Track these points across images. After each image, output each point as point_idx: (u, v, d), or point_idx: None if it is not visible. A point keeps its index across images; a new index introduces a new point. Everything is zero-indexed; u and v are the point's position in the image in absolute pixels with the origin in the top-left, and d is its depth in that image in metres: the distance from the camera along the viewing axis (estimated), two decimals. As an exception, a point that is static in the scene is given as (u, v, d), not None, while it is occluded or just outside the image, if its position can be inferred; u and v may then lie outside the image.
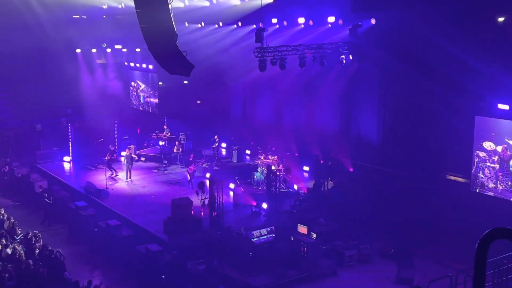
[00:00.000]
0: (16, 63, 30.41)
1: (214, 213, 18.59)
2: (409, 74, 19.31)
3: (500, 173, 17.30)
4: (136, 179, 24.74)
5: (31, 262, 14.60)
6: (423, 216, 18.83)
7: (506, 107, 16.70)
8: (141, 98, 33.09)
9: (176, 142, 27.37)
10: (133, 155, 25.06)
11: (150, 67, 31.17)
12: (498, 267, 10.09)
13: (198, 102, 31.67)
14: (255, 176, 22.97)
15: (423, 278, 14.35)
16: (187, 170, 23.85)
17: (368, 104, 21.45)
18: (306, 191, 21.67)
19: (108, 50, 32.45)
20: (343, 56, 20.24)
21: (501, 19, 16.91)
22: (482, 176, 17.75)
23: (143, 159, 27.46)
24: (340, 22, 20.57)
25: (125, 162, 24.79)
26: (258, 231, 17.82)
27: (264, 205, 20.05)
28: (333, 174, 22.06)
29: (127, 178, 24.29)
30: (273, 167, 21.77)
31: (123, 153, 27.68)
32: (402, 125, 20.44)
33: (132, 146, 25.71)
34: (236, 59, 24.81)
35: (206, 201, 20.38)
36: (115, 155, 25.62)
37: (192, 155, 25.30)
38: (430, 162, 19.46)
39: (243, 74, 25.83)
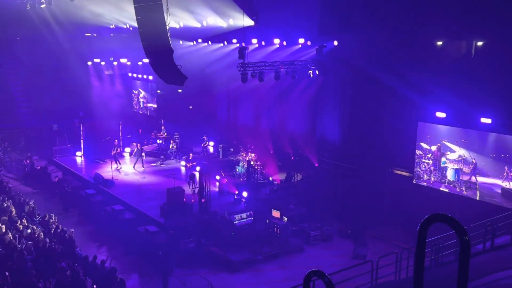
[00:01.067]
0: (36, 72, 30.03)
1: (203, 200, 18.51)
2: (364, 85, 19.47)
3: (432, 168, 17.61)
4: (137, 171, 24.52)
5: (47, 240, 14.42)
6: (375, 203, 19.03)
7: (443, 115, 16.94)
8: (141, 104, 32.84)
9: (171, 141, 27.21)
10: (140, 149, 24.96)
11: (150, 77, 30.93)
12: (435, 246, 10.26)
13: (190, 107, 31.52)
14: (237, 170, 22.95)
15: (374, 255, 14.48)
16: (186, 165, 24.02)
17: (330, 110, 21.56)
18: (279, 182, 21.71)
19: (115, 63, 32.13)
20: (311, 71, 20.37)
21: (439, 43, 17.14)
22: (418, 169, 18.02)
23: (143, 154, 27.20)
24: (309, 43, 20.65)
25: (133, 155, 24.89)
26: (239, 215, 17.92)
27: (245, 194, 20.05)
28: (300, 168, 22.10)
29: (134, 167, 24.44)
30: (252, 162, 21.81)
31: (127, 149, 27.51)
32: (358, 128, 20.60)
33: (139, 146, 25.46)
34: (222, 72, 24.79)
35: (196, 190, 20.30)
36: (119, 149, 25.36)
37: (191, 154, 25.07)
38: (381, 159, 19.65)
39: (228, 84, 25.80)
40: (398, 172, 19.35)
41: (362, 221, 18.43)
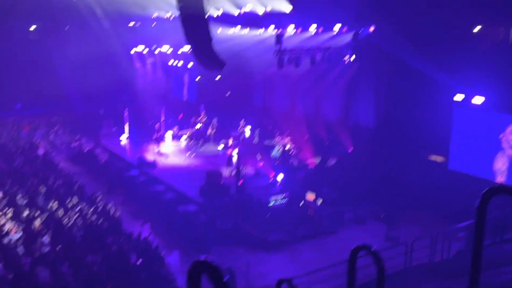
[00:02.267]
0: (83, 60, 30.59)
1: (239, 182, 18.54)
2: (399, 71, 18.92)
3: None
4: (177, 154, 24.81)
5: (94, 217, 14.77)
6: (408, 188, 18.58)
7: (480, 100, 16.26)
8: (183, 90, 33.04)
9: (210, 125, 27.34)
10: (191, 135, 25.13)
11: (190, 65, 31.07)
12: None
13: (228, 94, 31.53)
14: (272, 153, 22.84)
15: (407, 237, 14.16)
16: (225, 150, 23.95)
17: (365, 95, 21.13)
18: (313, 166, 21.52)
19: (157, 51, 32.38)
20: (346, 57, 19.94)
21: (476, 29, 16.39)
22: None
23: (183, 137, 27.49)
24: (345, 29, 20.18)
25: (186, 140, 25.14)
26: (275, 197, 17.88)
27: (280, 176, 19.97)
28: (334, 153, 21.82)
29: (189, 153, 24.31)
30: (287, 146, 21.66)
31: (169, 133, 27.82)
32: (393, 113, 20.08)
33: (190, 132, 25.65)
34: (258, 58, 24.66)
35: (233, 172, 20.37)
36: (160, 133, 25.68)
37: (231, 140, 24.96)
38: (415, 144, 19.14)
39: (264, 71, 25.63)
40: (433, 158, 18.78)
41: (395, 204, 18.03)
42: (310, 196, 18.03)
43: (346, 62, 20.12)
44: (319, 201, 17.73)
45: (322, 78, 23.39)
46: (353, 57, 20.13)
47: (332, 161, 21.53)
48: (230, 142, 23.48)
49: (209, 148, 26.03)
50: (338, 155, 21.79)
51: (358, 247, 2.70)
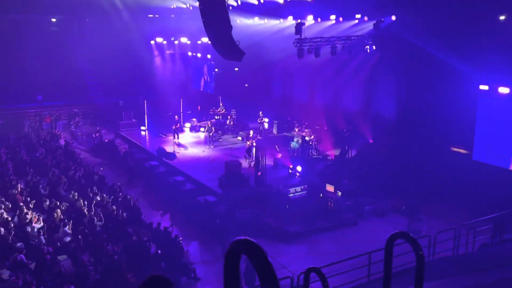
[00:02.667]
0: (103, 52, 30.77)
1: (259, 173, 18.49)
2: (421, 61, 18.51)
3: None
4: (196, 145, 24.83)
5: (114, 207, 14.85)
6: (430, 180, 18.23)
7: (506, 90, 15.78)
8: (202, 82, 33.02)
9: (229, 117, 27.32)
10: (211, 127, 24.75)
11: (209, 56, 31.00)
12: (499, 223, 9.59)
13: (246, 85, 31.43)
14: (291, 145, 22.73)
15: (429, 230, 13.87)
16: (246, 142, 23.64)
17: (386, 85, 20.80)
18: (333, 157, 21.35)
19: (176, 42, 32.37)
20: (367, 46, 19.60)
21: (502, 17, 15.86)
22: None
23: (202, 129, 27.52)
24: (366, 18, 19.80)
25: (206, 132, 24.79)
26: (294, 188, 17.82)
27: (299, 168, 19.86)
28: (354, 144, 21.61)
29: (209, 145, 24.10)
30: (306, 138, 21.51)
31: (187, 124, 27.87)
32: (415, 104, 19.71)
33: (210, 123, 25.42)
34: (277, 48, 24.47)
35: (252, 164, 20.30)
36: (178, 124, 25.74)
37: (251, 132, 24.73)
38: (437, 136, 18.76)
39: (283, 61, 25.45)
40: (456, 149, 18.37)
41: (417, 197, 17.72)
42: (330, 188, 17.87)
43: (367, 52, 19.77)
44: (339, 193, 17.56)
45: (343, 68, 23.10)
46: (374, 47, 19.77)
47: (352, 153, 21.30)
48: (251, 133, 23.37)
49: (227, 139, 26.01)
50: (358, 147, 21.57)
51: (396, 234, 2.58)
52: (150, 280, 1.58)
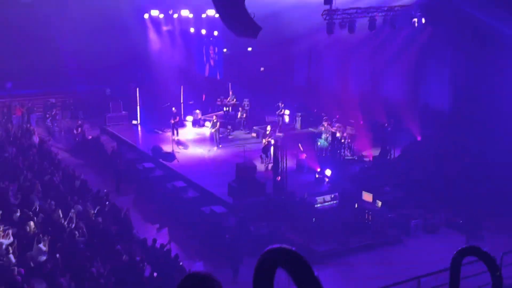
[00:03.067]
0: (86, 30, 30.91)
1: (278, 178, 18.46)
2: (485, 39, 18.25)
3: None
4: (201, 143, 24.84)
5: (100, 219, 14.87)
6: (493, 189, 18.00)
7: None
8: (207, 65, 33.04)
9: (240, 108, 27.31)
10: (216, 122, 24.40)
11: (216, 33, 30.98)
12: None
13: (262, 69, 31.32)
14: (318, 143, 22.68)
15: (494, 251, 13.61)
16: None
17: (439, 70, 20.66)
18: (371, 159, 21.32)
19: (175, 16, 32.39)
20: (415, 19, 19.40)
21: None
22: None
23: (207, 124, 27.53)
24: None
25: (213, 130, 24.64)
26: (321, 197, 17.73)
27: (328, 172, 19.79)
28: (398, 142, 21.52)
29: (216, 145, 24.08)
30: (337, 134, 21.46)
31: (189, 118, 27.89)
32: (475, 94, 19.45)
33: (215, 118, 25.12)
34: (302, 22, 24.33)
35: (270, 166, 20.24)
36: (178, 117, 25.74)
37: (269, 128, 24.56)
38: (502, 135, 18.49)
39: (309, 38, 25.33)
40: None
41: (477, 209, 17.48)
42: (367, 197, 17.82)
43: (415, 26, 19.58)
44: (379, 203, 17.48)
45: (383, 47, 23.00)
46: (424, 20, 19.59)
47: (395, 153, 21.21)
48: (268, 129, 23.28)
49: (239, 136, 25.99)
50: (403, 145, 21.45)
51: (464, 249, 2.57)
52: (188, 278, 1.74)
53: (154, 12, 32.07)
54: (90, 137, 25.46)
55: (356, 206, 17.32)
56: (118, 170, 21.15)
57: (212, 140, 24.89)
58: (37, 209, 15.35)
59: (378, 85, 24.27)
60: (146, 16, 32.25)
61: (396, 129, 21.75)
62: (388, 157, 21.12)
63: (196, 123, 27.77)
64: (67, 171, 19.48)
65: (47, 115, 29.13)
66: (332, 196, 17.85)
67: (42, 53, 31.08)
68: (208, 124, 26.44)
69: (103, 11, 30.77)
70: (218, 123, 24.43)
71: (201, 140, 25.50)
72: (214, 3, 13.66)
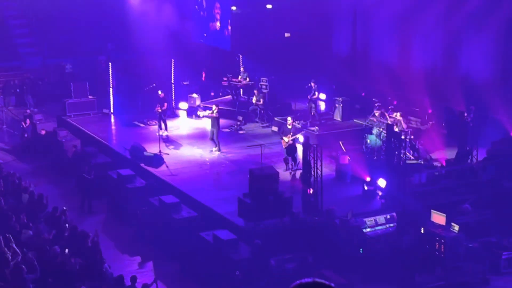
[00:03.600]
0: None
1: (310, 190, 18.37)
2: None
3: None
4: (198, 140, 24.89)
5: (58, 249, 14.89)
6: None
7: None
8: (209, 29, 33.06)
9: (256, 91, 27.23)
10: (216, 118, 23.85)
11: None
12: None
13: (287, 35, 31.30)
14: (368, 141, 22.67)
15: None
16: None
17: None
18: (444, 163, 21.18)
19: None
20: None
21: None
22: None
23: (208, 113, 27.53)
24: None
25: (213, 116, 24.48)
26: (372, 218, 17.86)
27: (382, 182, 19.65)
28: (477, 137, 21.48)
29: (219, 150, 23.79)
30: (395, 128, 21.31)
31: (182, 105, 27.88)
32: None
33: (216, 108, 24.46)
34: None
35: (298, 173, 20.15)
36: (166, 104, 25.58)
37: (290, 120, 24.20)
38: None
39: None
40: None
41: None
42: (438, 218, 17.70)
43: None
44: (455, 227, 17.39)
45: (458, 4, 22.99)
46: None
47: (478, 155, 21.19)
48: (290, 121, 23.23)
49: (254, 131, 26.11)
50: (490, 144, 21.39)
51: None
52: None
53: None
54: (43, 132, 25.57)
55: (422, 231, 17.32)
56: (83, 178, 21.19)
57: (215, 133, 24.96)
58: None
59: (453, 58, 24.35)
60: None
61: (480, 121, 21.61)
62: (469, 161, 21.01)
63: (193, 112, 27.72)
64: (12, 180, 19.53)
65: (-18, 101, 29.34)
66: (388, 217, 17.93)
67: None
68: (209, 113, 26.07)
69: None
70: (216, 115, 23.60)
71: (199, 137, 25.50)
72: None
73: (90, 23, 31.96)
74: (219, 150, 23.55)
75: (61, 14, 31.48)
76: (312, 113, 26.12)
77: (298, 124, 24.65)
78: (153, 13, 33.16)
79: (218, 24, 32.48)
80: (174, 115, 27.43)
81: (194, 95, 28.37)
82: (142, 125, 26.66)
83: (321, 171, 18.68)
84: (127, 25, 32.37)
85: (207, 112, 24.66)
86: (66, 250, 15.42)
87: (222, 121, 26.74)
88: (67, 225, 16.73)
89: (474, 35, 23.33)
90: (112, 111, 27.96)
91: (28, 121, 26.19)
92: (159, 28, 32.55)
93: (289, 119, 22.77)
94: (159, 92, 25.95)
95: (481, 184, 19.88)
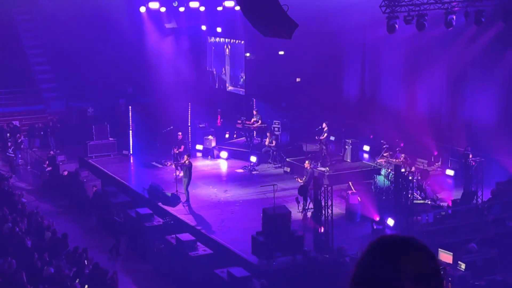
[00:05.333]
0: (63, 25, 31.40)
1: (321, 229, 18.30)
2: None
3: None
4: (214, 181, 24.93)
5: (78, 286, 14.85)
6: None
7: None
8: (224, 74, 33.24)
9: (268, 133, 27.33)
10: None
11: (235, 33, 31.27)
12: None
13: (298, 80, 31.43)
14: (377, 181, 22.52)
15: None
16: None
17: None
18: (451, 204, 21.03)
19: (181, 9, 32.81)
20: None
21: None
22: None
23: (224, 154, 27.58)
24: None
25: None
26: None
27: (391, 221, 19.62)
28: (488, 179, 21.35)
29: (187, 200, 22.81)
30: (403, 169, 21.24)
31: (199, 147, 27.94)
32: None
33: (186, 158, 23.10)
34: (355, 15, 24.39)
35: (310, 212, 20.08)
36: (183, 146, 25.81)
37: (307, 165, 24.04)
38: None
39: (362, 37, 25.37)
40: None
41: None
42: (445, 257, 17.58)
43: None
44: (462, 266, 17.28)
45: (464, 51, 23.03)
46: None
47: (484, 195, 21.04)
48: (307, 163, 23.22)
49: (267, 171, 26.11)
50: (495, 185, 21.25)
51: None
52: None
53: (153, 5, 32.54)
54: (65, 172, 25.66)
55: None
56: (103, 218, 21.21)
57: (230, 177, 24.94)
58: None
59: (458, 101, 24.25)
60: (142, 9, 32.75)
61: (485, 162, 21.48)
62: (474, 201, 20.85)
63: (209, 153, 27.83)
64: (35, 218, 19.56)
65: (9, 143, 29.49)
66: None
67: (1, 59, 31.65)
68: (225, 153, 25.91)
69: (88, 7, 31.27)
70: (188, 164, 22.64)
71: (214, 177, 25.61)
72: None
73: (111, 68, 32.25)
74: (187, 200, 22.48)
75: (83, 60, 31.80)
76: (323, 154, 26.11)
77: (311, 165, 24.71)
78: (172, 55, 33.45)
79: (228, 69, 32.71)
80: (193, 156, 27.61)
81: (210, 137, 28.45)
82: (160, 165, 26.74)
83: (332, 210, 18.65)
84: (146, 69, 32.69)
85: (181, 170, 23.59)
86: (86, 287, 15.44)
87: (236, 162, 26.88)
88: (86, 261, 16.71)
89: (478, 79, 23.32)
90: (131, 152, 28.09)
91: (51, 162, 26.33)
92: (177, 71, 32.86)
93: (307, 162, 22.80)
94: (179, 133, 26.10)
95: (486, 224, 19.77)
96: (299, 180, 22.07)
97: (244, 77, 31.71)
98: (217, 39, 33.41)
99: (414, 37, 20.84)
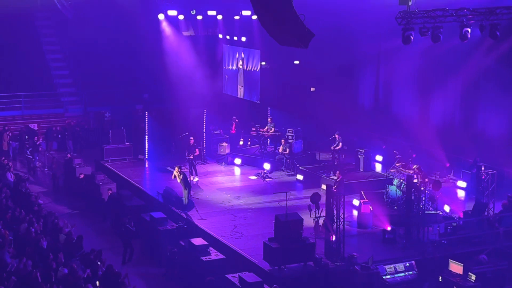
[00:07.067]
0: (82, 31, 31.54)
1: (332, 237, 18.22)
2: None
3: None
4: (227, 187, 24.90)
5: (91, 287, 14.80)
6: None
7: None
8: (239, 82, 33.22)
9: (282, 141, 27.31)
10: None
11: (251, 41, 31.26)
12: None
13: (312, 89, 31.40)
14: (389, 191, 22.39)
15: None
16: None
17: None
18: (462, 215, 20.96)
19: (199, 17, 32.88)
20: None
21: None
22: None
23: (238, 160, 27.53)
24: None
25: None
26: (392, 265, 17.68)
27: (401, 231, 19.50)
28: (499, 191, 21.27)
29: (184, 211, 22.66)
30: (415, 180, 21.13)
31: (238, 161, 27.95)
32: None
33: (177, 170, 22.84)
34: (369, 26, 24.34)
35: (321, 221, 19.99)
36: (197, 151, 25.80)
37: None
38: None
39: (378, 47, 25.31)
40: None
41: None
42: (456, 268, 17.53)
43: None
44: (472, 277, 17.16)
45: (479, 63, 23.04)
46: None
47: (495, 207, 20.92)
48: (338, 175, 23.19)
49: (280, 178, 26.05)
50: (506, 198, 21.04)
51: None
52: None
53: (172, 13, 32.59)
54: (81, 175, 25.69)
55: (440, 279, 17.11)
56: (117, 221, 21.18)
57: (243, 183, 24.91)
58: (8, 271, 15.38)
59: (471, 112, 24.28)
60: (161, 17, 32.81)
61: (496, 174, 21.32)
62: (486, 213, 20.71)
63: (223, 159, 27.84)
64: (51, 220, 19.56)
65: (27, 145, 29.59)
66: (407, 264, 17.72)
67: (22, 62, 31.83)
68: (239, 160, 26.04)
69: (106, 9, 31.38)
70: (180, 177, 22.51)
71: (228, 183, 25.64)
72: (252, 2, 13.83)
73: (128, 74, 32.36)
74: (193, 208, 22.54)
75: (102, 66, 31.93)
76: (336, 163, 26.03)
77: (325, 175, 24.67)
78: (188, 62, 33.51)
79: (242, 78, 32.70)
80: (205, 162, 27.55)
81: (224, 143, 28.46)
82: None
83: (343, 218, 18.54)
84: (163, 76, 32.77)
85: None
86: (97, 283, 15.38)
87: (249, 169, 26.85)
88: (99, 263, 16.64)
89: (492, 92, 23.26)
90: (146, 157, 28.15)
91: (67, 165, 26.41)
92: (195, 79, 32.94)
93: (338, 173, 22.77)
94: (191, 138, 26.10)
95: (497, 236, 19.61)
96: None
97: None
98: (230, 67, 33.11)
99: (429, 49, 20.78)
